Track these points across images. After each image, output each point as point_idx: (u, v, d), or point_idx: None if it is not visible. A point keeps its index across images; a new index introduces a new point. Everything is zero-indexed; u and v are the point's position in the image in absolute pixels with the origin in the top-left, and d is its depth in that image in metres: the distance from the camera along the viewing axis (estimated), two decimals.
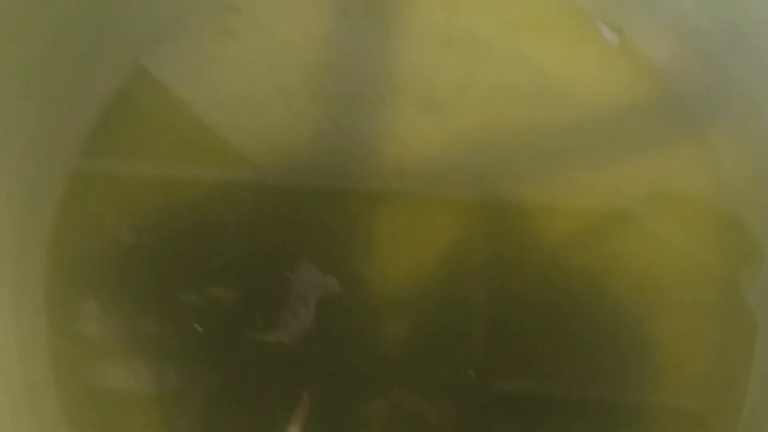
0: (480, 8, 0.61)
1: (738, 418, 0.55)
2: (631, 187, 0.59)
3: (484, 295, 0.57)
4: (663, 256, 0.58)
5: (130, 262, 0.57)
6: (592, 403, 0.56)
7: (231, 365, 0.56)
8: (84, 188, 0.58)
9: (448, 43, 0.60)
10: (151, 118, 0.59)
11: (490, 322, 0.57)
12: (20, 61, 0.50)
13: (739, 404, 0.55)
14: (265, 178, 0.59)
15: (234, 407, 0.56)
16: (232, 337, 0.56)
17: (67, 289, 0.56)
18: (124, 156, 0.58)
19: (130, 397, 0.55)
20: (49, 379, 0.55)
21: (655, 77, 0.59)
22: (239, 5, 0.61)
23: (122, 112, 0.59)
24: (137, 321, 0.56)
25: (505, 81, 0.60)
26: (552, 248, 0.58)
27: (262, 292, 0.57)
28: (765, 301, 0.56)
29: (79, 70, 0.56)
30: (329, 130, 0.59)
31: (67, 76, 0.55)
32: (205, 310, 0.57)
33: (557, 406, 0.56)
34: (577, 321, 0.57)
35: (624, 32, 0.59)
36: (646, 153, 0.59)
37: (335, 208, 0.58)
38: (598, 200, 0.58)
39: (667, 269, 0.57)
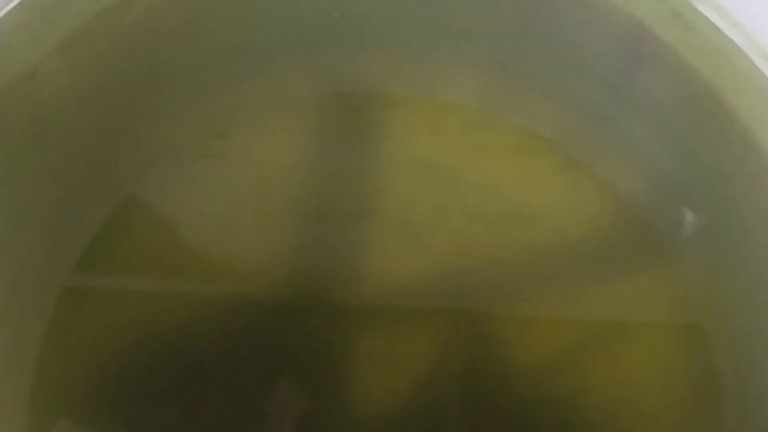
0: (455, 135, 0.63)
1: None
2: (602, 313, 0.60)
3: (459, 414, 0.58)
4: (636, 381, 0.59)
5: (113, 380, 0.58)
6: None
7: None
8: (71, 309, 0.59)
9: (426, 167, 0.62)
10: (140, 240, 0.61)
11: None
12: (10, 200, 0.53)
13: None
14: (251, 297, 0.60)
15: None
16: None
17: (50, 411, 0.57)
18: (113, 277, 0.60)
19: None
20: None
21: (624, 208, 0.61)
22: (226, 130, 0.63)
23: (111, 238, 0.60)
24: None
25: (477, 208, 0.62)
26: (526, 372, 0.59)
27: (243, 409, 0.58)
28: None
29: (69, 204, 0.58)
30: (314, 249, 0.61)
31: (56, 210, 0.57)
32: (185, 426, 0.57)
33: None
34: None
35: (591, 163, 0.62)
36: (616, 280, 0.61)
37: (317, 326, 0.59)
38: (570, 325, 0.60)
39: (641, 394, 0.58)
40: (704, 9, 0.53)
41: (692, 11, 0.54)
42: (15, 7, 0.53)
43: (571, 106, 0.61)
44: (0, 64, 0.54)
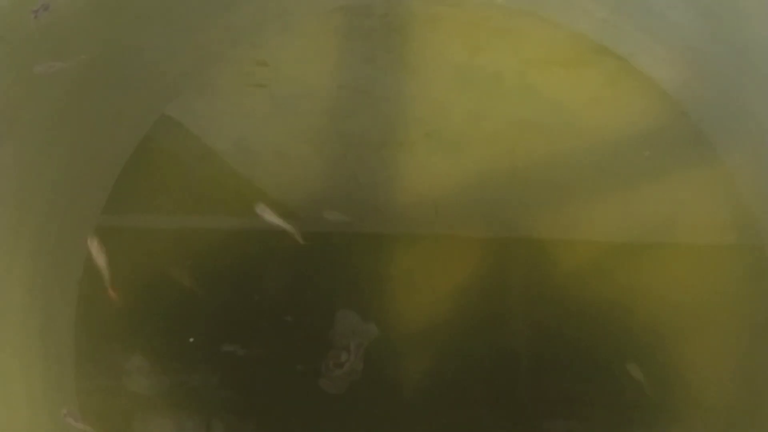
0: (497, 46, 0.61)
1: None
2: (647, 215, 0.58)
3: (521, 330, 0.57)
4: (682, 281, 0.57)
5: (169, 312, 0.58)
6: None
7: (277, 416, 0.57)
8: (111, 239, 0.58)
9: (470, 82, 0.61)
10: (182, 168, 0.60)
11: (520, 357, 0.57)
12: (41, 114, 0.52)
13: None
14: (300, 226, 0.59)
15: None
16: (277, 388, 0.57)
17: (95, 342, 0.58)
18: (156, 207, 0.60)
19: None
20: None
21: (667, 104, 0.59)
22: (267, 59, 0.62)
23: (151, 162, 0.60)
24: (178, 374, 0.58)
25: (519, 115, 0.60)
26: (570, 279, 0.58)
27: (303, 342, 0.58)
28: None
29: (103, 119, 0.57)
30: (361, 174, 0.60)
31: (90, 125, 0.57)
32: (246, 362, 0.57)
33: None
34: (595, 350, 0.57)
35: (634, 59, 0.59)
36: (661, 180, 0.59)
37: (369, 253, 0.59)
38: (613, 230, 0.58)
39: (687, 294, 0.57)
40: None
41: None
42: None
43: None
44: None
